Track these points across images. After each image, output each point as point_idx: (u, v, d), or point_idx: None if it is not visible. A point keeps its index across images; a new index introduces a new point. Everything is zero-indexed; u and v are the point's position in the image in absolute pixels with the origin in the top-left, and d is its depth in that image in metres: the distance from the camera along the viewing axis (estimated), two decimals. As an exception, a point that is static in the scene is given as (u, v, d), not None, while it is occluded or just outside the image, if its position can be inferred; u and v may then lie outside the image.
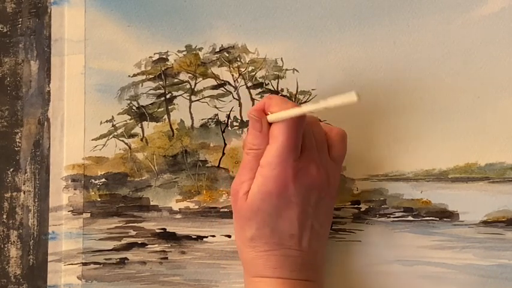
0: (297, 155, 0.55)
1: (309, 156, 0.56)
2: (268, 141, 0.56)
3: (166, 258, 0.63)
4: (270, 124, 0.56)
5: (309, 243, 0.57)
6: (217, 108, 0.64)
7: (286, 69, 0.64)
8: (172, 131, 0.64)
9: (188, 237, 0.63)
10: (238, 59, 0.64)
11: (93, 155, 0.64)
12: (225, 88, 0.64)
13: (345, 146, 0.60)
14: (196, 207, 0.64)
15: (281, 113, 0.54)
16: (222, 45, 0.64)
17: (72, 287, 0.63)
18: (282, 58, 0.64)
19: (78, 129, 0.64)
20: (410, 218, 0.63)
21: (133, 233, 0.64)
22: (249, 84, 0.64)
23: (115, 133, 0.64)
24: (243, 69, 0.64)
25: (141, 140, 0.64)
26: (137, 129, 0.64)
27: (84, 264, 0.63)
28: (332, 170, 0.58)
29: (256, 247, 0.56)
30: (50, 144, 0.64)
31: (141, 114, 0.64)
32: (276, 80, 0.64)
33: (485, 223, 0.62)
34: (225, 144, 0.64)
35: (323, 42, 0.64)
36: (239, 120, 0.64)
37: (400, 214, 0.63)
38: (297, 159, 0.55)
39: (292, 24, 0.64)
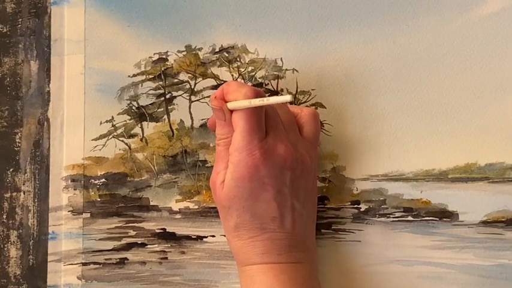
0: (262, 135, 0.55)
1: (275, 135, 0.56)
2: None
3: (166, 258, 0.63)
4: (232, 111, 0.56)
5: (293, 224, 0.57)
6: (217, 108, 0.64)
7: (286, 69, 0.64)
8: (172, 131, 0.64)
9: (188, 237, 0.63)
10: (238, 59, 0.64)
11: (93, 155, 0.64)
12: (224, 88, 0.64)
13: (316, 123, 0.60)
14: (196, 207, 0.64)
15: (237, 103, 0.55)
16: (221, 45, 0.64)
17: (72, 287, 0.63)
18: (281, 58, 0.64)
19: (78, 129, 0.64)
20: (410, 218, 0.63)
21: (133, 233, 0.64)
22: (249, 84, 0.64)
23: (115, 133, 0.64)
24: (242, 69, 0.64)
25: (141, 140, 0.64)
26: (137, 129, 0.64)
27: (84, 264, 0.63)
28: (306, 149, 0.58)
29: (241, 235, 0.57)
30: (49, 144, 0.64)
31: (141, 114, 0.64)
32: (276, 80, 0.64)
33: (485, 223, 0.62)
34: (225, 144, 0.64)
35: (323, 42, 0.64)
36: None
37: (400, 214, 0.63)
38: (263, 140, 0.55)
39: (292, 24, 0.64)
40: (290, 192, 0.56)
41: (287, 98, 0.52)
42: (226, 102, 0.56)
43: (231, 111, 0.56)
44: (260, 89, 0.63)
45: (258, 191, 0.55)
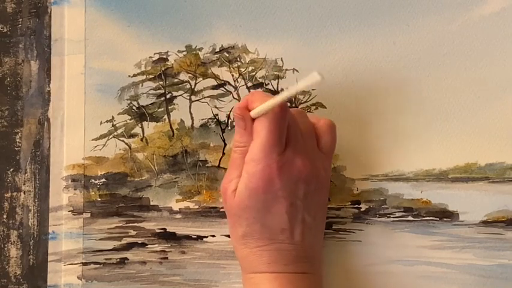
0: (281, 148, 0.55)
1: (294, 148, 0.55)
2: None
3: (166, 258, 0.63)
4: (253, 120, 0.56)
5: (302, 237, 0.56)
6: (217, 108, 0.64)
7: (286, 69, 0.64)
8: (172, 131, 0.64)
9: (188, 237, 0.63)
10: (238, 59, 0.64)
11: (93, 155, 0.64)
12: (225, 88, 0.64)
13: (333, 136, 0.59)
14: (196, 207, 0.64)
15: (261, 107, 0.54)
16: (222, 45, 0.64)
17: (72, 287, 0.63)
18: (282, 58, 0.64)
19: (78, 129, 0.64)
20: (410, 218, 0.63)
21: (133, 233, 0.64)
22: (249, 84, 0.64)
23: (115, 133, 0.64)
24: (243, 69, 0.64)
25: (141, 140, 0.64)
26: (137, 129, 0.64)
27: (84, 264, 0.63)
28: (321, 161, 0.58)
29: (249, 243, 0.56)
30: (50, 144, 0.64)
31: (141, 114, 0.64)
32: (276, 80, 0.64)
33: (485, 223, 0.62)
34: (225, 144, 0.64)
35: (323, 42, 0.64)
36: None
37: (400, 214, 0.63)
38: (281, 153, 0.55)
39: (292, 24, 0.64)
40: (302, 206, 0.56)
41: (315, 77, 0.50)
42: (249, 111, 0.56)
43: (253, 120, 0.55)
44: (260, 89, 0.64)
45: (270, 203, 0.55)
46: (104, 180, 0.64)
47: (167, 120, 0.64)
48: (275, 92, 0.64)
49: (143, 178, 0.64)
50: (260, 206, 0.55)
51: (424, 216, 0.63)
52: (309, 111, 0.63)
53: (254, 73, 0.64)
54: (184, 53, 0.64)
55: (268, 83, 0.64)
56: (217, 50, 0.64)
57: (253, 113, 0.55)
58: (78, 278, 0.63)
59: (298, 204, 0.56)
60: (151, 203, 0.64)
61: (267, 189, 0.55)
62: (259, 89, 0.64)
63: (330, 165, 0.60)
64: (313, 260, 0.58)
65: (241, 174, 0.56)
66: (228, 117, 0.64)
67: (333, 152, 0.60)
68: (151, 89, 0.64)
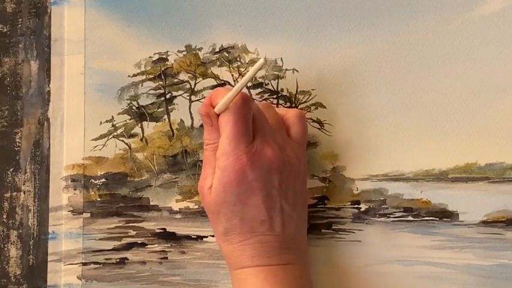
0: (249, 140, 0.55)
1: (262, 138, 0.56)
2: None
3: (166, 258, 0.63)
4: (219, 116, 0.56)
5: (283, 226, 0.56)
6: (217, 108, 0.64)
7: (286, 69, 0.64)
8: (172, 131, 0.64)
9: (188, 237, 0.63)
10: (238, 59, 0.64)
11: (93, 155, 0.64)
12: (225, 88, 0.64)
13: (303, 124, 0.60)
14: (196, 207, 0.64)
15: (222, 101, 0.55)
16: (222, 45, 0.64)
17: (72, 287, 0.63)
18: (282, 58, 0.64)
19: (78, 129, 0.64)
20: (410, 218, 0.63)
21: (133, 233, 0.64)
22: (249, 84, 0.64)
23: (115, 133, 0.64)
24: (242, 69, 0.64)
25: (141, 140, 0.64)
26: (137, 129, 0.64)
27: (84, 264, 0.63)
28: (294, 150, 0.58)
29: (231, 239, 0.57)
30: (50, 144, 0.64)
31: (141, 114, 0.64)
32: (276, 80, 0.64)
33: (485, 223, 0.62)
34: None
35: (323, 42, 0.64)
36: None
37: (400, 214, 0.63)
38: (250, 144, 0.55)
39: (292, 24, 0.64)
40: (279, 195, 0.56)
41: (260, 61, 0.52)
42: (214, 107, 0.56)
43: (218, 116, 0.56)
44: (260, 89, 0.64)
45: (246, 195, 0.55)
46: (103, 180, 0.64)
47: (167, 120, 0.64)
48: (274, 92, 0.64)
49: (143, 178, 0.64)
50: (236, 199, 0.55)
51: (424, 216, 0.63)
52: (309, 111, 0.63)
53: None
54: (184, 53, 0.64)
55: (268, 83, 0.64)
56: (217, 50, 0.64)
57: (217, 109, 0.55)
58: (78, 278, 0.63)
59: (274, 193, 0.56)
60: (151, 203, 0.64)
61: (240, 182, 0.55)
62: (259, 89, 0.64)
63: (304, 153, 0.60)
64: (297, 251, 0.58)
65: (215, 171, 0.56)
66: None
67: (305, 141, 0.60)
68: (151, 89, 0.64)
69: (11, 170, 0.64)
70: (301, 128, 0.60)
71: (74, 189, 0.64)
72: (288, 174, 0.57)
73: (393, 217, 0.63)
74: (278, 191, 0.56)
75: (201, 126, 0.64)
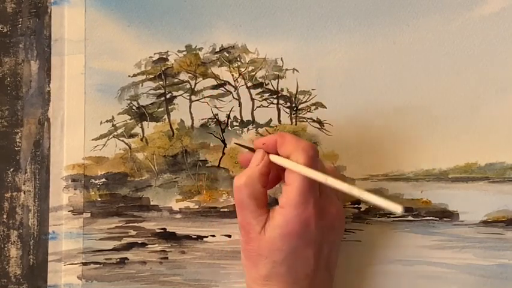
0: (317, 194, 0.55)
1: (326, 195, 0.56)
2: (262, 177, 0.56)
3: (167, 258, 0.63)
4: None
5: (322, 284, 0.57)
6: (217, 108, 0.64)
7: (286, 69, 0.64)
8: (172, 131, 0.64)
9: (188, 237, 0.63)
10: (238, 59, 0.64)
11: (93, 155, 0.64)
12: (225, 88, 0.64)
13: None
14: (196, 207, 0.64)
15: (295, 166, 0.55)
16: (222, 45, 0.64)
17: (72, 287, 0.63)
18: (282, 58, 0.64)
19: (78, 129, 0.64)
20: (410, 218, 0.63)
21: (133, 232, 0.64)
22: (249, 84, 0.64)
23: (115, 133, 0.64)
24: (243, 69, 0.64)
25: (141, 140, 0.64)
26: (137, 129, 0.64)
27: (84, 264, 0.63)
28: (343, 210, 0.59)
29: (271, 285, 0.56)
30: (50, 144, 0.64)
31: (141, 114, 0.64)
32: (276, 80, 0.64)
33: (485, 223, 0.62)
34: (225, 144, 0.64)
35: (323, 42, 0.64)
36: (239, 120, 0.64)
37: (400, 214, 0.63)
38: (317, 198, 0.55)
39: (292, 24, 0.64)
40: (328, 253, 0.57)
41: (398, 208, 0.50)
42: (273, 152, 0.56)
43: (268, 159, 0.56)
44: (260, 89, 0.64)
45: (302, 247, 0.55)
46: (104, 180, 0.64)
47: (167, 120, 0.64)
48: (274, 92, 0.64)
49: (143, 178, 0.64)
50: (292, 250, 0.55)
51: (424, 216, 0.63)
52: (309, 111, 0.63)
53: (254, 73, 0.64)
54: (184, 52, 0.64)
55: (268, 83, 0.64)
56: (217, 49, 0.64)
57: (277, 160, 0.56)
58: (78, 278, 0.63)
59: (325, 250, 0.56)
60: (151, 203, 0.64)
61: (302, 234, 0.54)
62: (259, 89, 0.64)
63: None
64: None
65: (271, 216, 0.55)
66: (228, 117, 0.64)
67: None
68: (151, 89, 0.64)
69: (11, 170, 0.64)
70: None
71: (74, 189, 0.64)
72: (339, 233, 0.58)
73: (393, 217, 0.63)
74: (329, 249, 0.57)
75: (201, 126, 0.64)
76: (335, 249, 0.58)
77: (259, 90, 0.64)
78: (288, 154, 0.55)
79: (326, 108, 0.64)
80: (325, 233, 0.56)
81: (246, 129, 0.64)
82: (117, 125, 0.64)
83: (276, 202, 0.56)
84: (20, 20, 0.65)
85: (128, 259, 0.63)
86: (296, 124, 0.64)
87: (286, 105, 0.64)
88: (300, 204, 0.54)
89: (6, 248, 0.64)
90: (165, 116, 0.64)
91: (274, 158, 0.57)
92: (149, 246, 0.64)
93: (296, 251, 0.55)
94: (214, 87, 0.64)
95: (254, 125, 0.64)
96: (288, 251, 0.55)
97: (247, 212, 0.56)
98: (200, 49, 0.64)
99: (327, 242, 0.56)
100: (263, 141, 0.57)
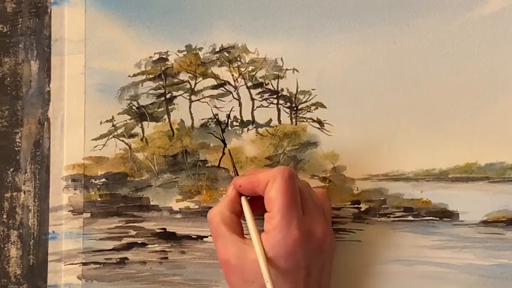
0: (300, 214, 0.54)
1: (311, 215, 0.55)
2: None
3: (167, 258, 0.63)
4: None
5: None
6: (217, 108, 0.64)
7: (286, 69, 0.64)
8: (172, 131, 0.64)
9: (188, 237, 0.63)
10: (238, 59, 0.64)
11: (93, 155, 0.64)
12: (225, 88, 0.64)
13: (330, 204, 0.60)
14: (197, 207, 0.64)
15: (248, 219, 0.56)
16: (222, 45, 0.64)
17: (72, 287, 0.63)
18: (282, 58, 0.64)
19: (78, 129, 0.64)
20: (410, 218, 0.63)
21: (133, 232, 0.64)
22: (249, 84, 0.64)
23: (115, 133, 0.64)
24: (243, 69, 0.64)
25: (141, 140, 0.64)
26: (137, 129, 0.64)
27: (84, 264, 0.63)
28: (330, 231, 0.58)
29: None
30: (50, 144, 0.64)
31: (141, 114, 0.64)
32: (276, 80, 0.64)
33: (485, 223, 0.62)
34: (225, 144, 0.64)
35: (323, 42, 0.64)
36: (239, 120, 0.64)
37: (400, 214, 0.63)
38: (301, 219, 0.54)
39: (292, 24, 0.64)
40: (318, 275, 0.56)
41: None
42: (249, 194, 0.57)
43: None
44: (260, 88, 0.64)
45: (289, 271, 0.54)
46: (104, 180, 0.64)
47: (167, 120, 0.64)
48: (274, 92, 0.64)
49: (143, 178, 0.64)
50: (279, 274, 0.54)
51: (424, 216, 0.63)
52: (309, 111, 0.63)
53: (254, 73, 0.64)
54: (184, 52, 0.64)
55: (268, 83, 0.64)
56: (217, 49, 0.64)
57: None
58: (78, 278, 0.63)
59: (314, 274, 0.55)
60: (151, 203, 0.64)
61: (288, 258, 0.54)
62: (259, 89, 0.64)
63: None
64: None
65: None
66: (228, 117, 0.64)
67: (331, 221, 0.60)
68: (151, 89, 0.64)
69: (11, 170, 0.64)
70: (330, 209, 0.60)
71: (74, 189, 0.64)
72: (330, 254, 0.57)
73: (393, 217, 0.63)
74: (319, 271, 0.56)
75: (201, 126, 0.64)
76: (326, 272, 0.57)
77: (259, 90, 0.64)
78: (266, 189, 0.55)
79: (326, 108, 0.64)
80: (313, 256, 0.55)
81: (246, 129, 0.64)
82: (117, 125, 0.64)
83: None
84: (20, 20, 0.65)
85: (128, 259, 0.63)
86: (296, 124, 0.64)
87: (286, 105, 0.64)
88: (283, 226, 0.54)
89: (6, 248, 0.64)
90: (165, 116, 0.64)
91: (243, 200, 0.58)
92: (149, 246, 0.64)
93: (283, 275, 0.54)
94: (214, 87, 0.64)
95: (254, 125, 0.64)
96: (276, 275, 0.54)
97: (224, 240, 0.56)
98: (200, 49, 0.64)
99: (315, 265, 0.55)
100: (239, 184, 0.57)
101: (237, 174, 0.63)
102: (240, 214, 0.58)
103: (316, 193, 0.59)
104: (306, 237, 0.54)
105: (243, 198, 0.58)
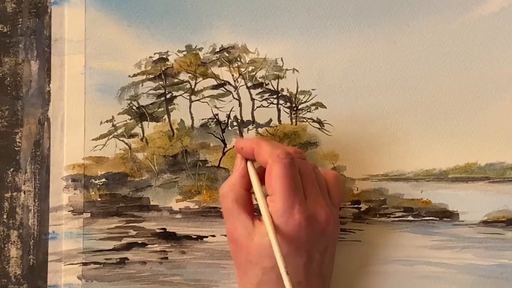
0: (302, 198, 0.54)
1: (315, 199, 0.55)
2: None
3: (167, 258, 0.63)
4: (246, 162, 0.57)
5: None
6: (217, 108, 0.64)
7: (286, 69, 0.64)
8: (173, 131, 0.64)
9: (188, 237, 0.63)
10: (238, 59, 0.64)
11: (93, 155, 0.64)
12: (225, 88, 0.64)
13: (341, 188, 0.59)
14: (197, 207, 0.64)
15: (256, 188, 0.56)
16: (222, 45, 0.64)
17: (72, 287, 0.63)
18: (282, 58, 0.64)
19: (78, 129, 0.64)
20: (410, 218, 0.63)
21: (133, 232, 0.64)
22: (249, 84, 0.64)
23: (115, 133, 0.64)
24: (243, 69, 0.64)
25: (141, 140, 0.64)
26: (137, 129, 0.64)
27: (84, 264, 0.63)
28: (335, 215, 0.57)
29: None
30: (50, 144, 0.64)
31: (141, 114, 0.64)
32: (276, 80, 0.64)
33: (485, 223, 0.62)
34: (225, 144, 0.64)
35: (323, 42, 0.64)
36: (239, 120, 0.64)
37: (400, 214, 0.63)
38: (303, 203, 0.54)
39: (292, 24, 0.64)
40: (320, 259, 0.56)
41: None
42: (251, 159, 0.57)
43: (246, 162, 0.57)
44: (260, 89, 0.64)
45: (292, 255, 0.54)
46: (104, 180, 0.64)
47: (167, 120, 0.64)
48: (274, 92, 0.64)
49: (143, 178, 0.64)
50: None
51: (424, 216, 0.63)
52: (309, 111, 0.63)
53: (254, 73, 0.64)
54: (185, 52, 0.64)
55: (268, 83, 0.64)
56: (217, 50, 0.64)
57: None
58: (78, 278, 0.63)
59: (316, 257, 0.55)
60: (151, 203, 0.64)
61: (291, 241, 0.54)
62: (259, 89, 0.64)
63: (339, 219, 0.59)
64: None
65: (259, 224, 0.55)
66: (228, 117, 0.64)
67: (340, 205, 0.60)
68: (151, 89, 0.64)
69: (11, 170, 0.64)
70: (339, 192, 0.59)
71: (74, 189, 0.64)
72: (331, 241, 0.56)
73: (393, 217, 0.63)
74: (321, 255, 0.56)
75: (201, 126, 0.64)
76: (329, 256, 0.57)
77: (259, 90, 0.64)
78: (264, 163, 0.55)
79: (326, 108, 0.64)
80: (316, 240, 0.55)
81: (246, 129, 0.64)
82: (117, 125, 0.64)
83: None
84: (20, 20, 0.65)
85: (128, 259, 0.63)
86: (296, 124, 0.64)
87: (286, 105, 0.64)
88: (285, 211, 0.53)
89: (6, 248, 0.64)
90: (165, 116, 0.64)
91: (249, 167, 0.57)
92: (149, 246, 0.64)
93: (286, 258, 0.53)
94: (214, 87, 0.64)
95: (254, 125, 0.64)
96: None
97: (234, 219, 0.56)
98: (200, 49, 0.64)
99: (318, 249, 0.55)
100: (241, 146, 0.57)
101: None
102: (251, 187, 0.57)
103: (325, 176, 0.58)
104: (308, 221, 0.54)
105: (249, 164, 0.57)
